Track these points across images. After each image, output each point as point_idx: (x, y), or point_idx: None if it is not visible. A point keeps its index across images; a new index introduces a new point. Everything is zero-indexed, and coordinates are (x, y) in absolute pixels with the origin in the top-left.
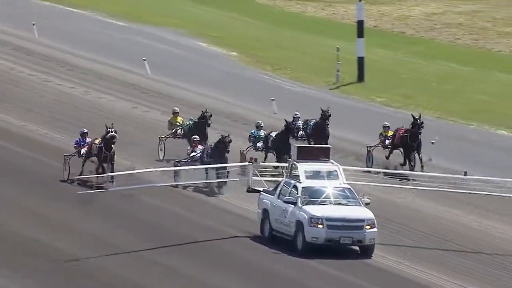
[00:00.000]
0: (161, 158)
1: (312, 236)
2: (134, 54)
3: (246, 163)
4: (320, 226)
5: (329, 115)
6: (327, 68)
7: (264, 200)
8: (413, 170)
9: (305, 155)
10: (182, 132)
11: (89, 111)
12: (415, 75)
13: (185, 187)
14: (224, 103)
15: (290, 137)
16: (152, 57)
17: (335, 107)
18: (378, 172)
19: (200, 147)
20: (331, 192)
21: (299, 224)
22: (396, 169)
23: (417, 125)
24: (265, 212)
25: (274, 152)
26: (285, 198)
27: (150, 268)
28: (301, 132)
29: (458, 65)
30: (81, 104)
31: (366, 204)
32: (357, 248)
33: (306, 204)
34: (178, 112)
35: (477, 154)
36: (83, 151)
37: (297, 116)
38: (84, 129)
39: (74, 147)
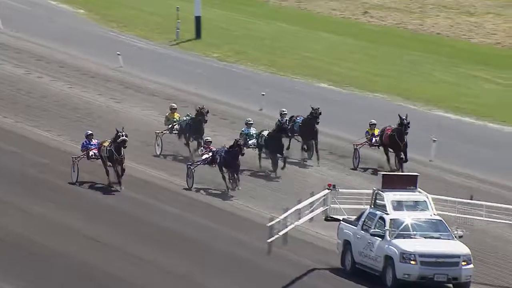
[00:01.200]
0: (158, 153)
1: (403, 273)
2: None
3: (325, 191)
4: (412, 262)
5: (320, 113)
6: (168, 26)
7: (345, 231)
8: (402, 169)
9: (391, 183)
10: (179, 127)
11: None
12: (248, 33)
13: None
14: (71, 57)
15: (283, 136)
16: (5, 14)
17: (175, 62)
18: (467, 202)
19: (213, 149)
20: (421, 225)
21: (389, 260)
22: (381, 168)
23: (404, 125)
24: (347, 243)
25: (265, 151)
26: (372, 230)
27: None
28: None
29: (287, 25)
30: None
31: (459, 237)
32: (451, 286)
33: (395, 237)
34: (175, 108)
35: (302, 103)
36: (91, 153)
37: (285, 113)
38: (89, 131)
39: (81, 149)
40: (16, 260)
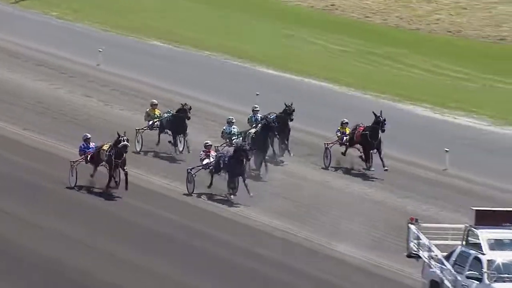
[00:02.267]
0: (138, 149)
1: None
2: None
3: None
4: None
5: (293, 110)
6: None
7: (432, 270)
8: (370, 170)
9: (485, 219)
10: (159, 124)
11: None
12: None
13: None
14: None
15: (270, 134)
16: None
17: (15, 19)
18: None
19: (213, 153)
20: None
21: None
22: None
23: (380, 123)
24: (435, 284)
25: (252, 150)
26: (467, 272)
27: None
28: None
29: None
30: None
31: None
32: None
33: (495, 281)
34: (156, 104)
35: (135, 59)
36: (84, 155)
37: (257, 109)
38: (88, 135)
39: (79, 153)
40: (9, 267)
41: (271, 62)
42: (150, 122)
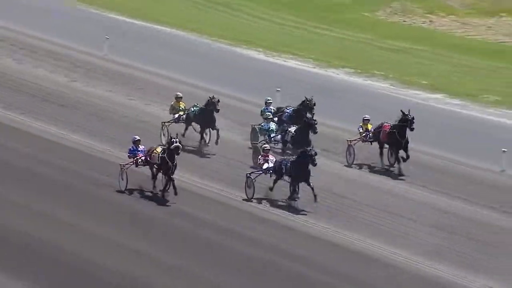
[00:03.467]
0: (164, 143)
1: None
2: None
3: None
4: None
5: (314, 104)
6: None
7: None
8: (393, 166)
9: None
10: (185, 117)
11: None
12: None
13: None
14: None
15: (311, 133)
16: None
17: None
18: None
19: (272, 158)
20: None
21: None
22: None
23: (408, 121)
24: None
25: (292, 147)
26: None
27: None
28: (275, 117)
29: None
30: None
31: None
32: None
33: None
34: (181, 97)
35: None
36: (135, 159)
37: (270, 101)
38: (136, 137)
39: (128, 156)
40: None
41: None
42: (176, 115)
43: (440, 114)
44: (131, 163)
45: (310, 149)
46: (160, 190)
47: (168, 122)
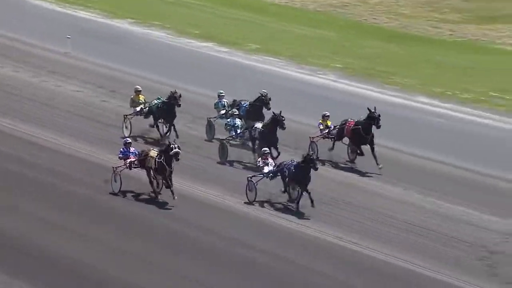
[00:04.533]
0: (126, 135)
1: None
2: None
3: None
4: None
5: (269, 99)
6: None
7: None
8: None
9: None
10: (146, 110)
11: None
12: None
13: None
14: None
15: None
16: None
17: None
18: None
19: (271, 161)
20: None
21: None
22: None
23: (375, 119)
24: None
25: (257, 144)
26: None
27: None
28: (230, 110)
29: None
30: None
31: None
32: None
33: None
34: (140, 90)
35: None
36: (128, 161)
37: (222, 94)
38: (128, 139)
39: (119, 157)
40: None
41: None
42: (138, 108)
43: (211, 61)
44: (125, 166)
45: (312, 154)
46: (154, 192)
47: (131, 115)
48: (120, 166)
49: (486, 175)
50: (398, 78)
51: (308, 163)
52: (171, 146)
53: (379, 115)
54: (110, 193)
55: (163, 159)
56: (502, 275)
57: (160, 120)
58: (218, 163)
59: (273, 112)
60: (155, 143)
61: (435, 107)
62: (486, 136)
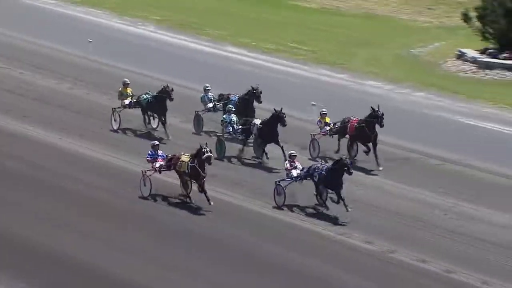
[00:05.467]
0: (115, 128)
1: None
2: None
3: None
4: None
5: (260, 92)
6: None
7: None
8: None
9: None
10: (134, 102)
11: None
12: None
13: None
14: None
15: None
16: None
17: None
18: None
19: (298, 164)
20: None
21: None
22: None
23: (378, 117)
24: None
25: (259, 141)
26: None
27: None
28: (218, 104)
29: None
30: None
31: None
32: None
33: None
34: (128, 83)
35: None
36: (157, 164)
37: (208, 88)
38: (156, 141)
39: (148, 160)
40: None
41: None
42: (127, 102)
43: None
44: (154, 169)
45: (346, 158)
46: (185, 196)
47: (119, 108)
48: (150, 170)
49: (267, 110)
50: (210, 30)
51: (342, 167)
52: (203, 150)
53: (382, 114)
54: (139, 197)
55: (196, 163)
56: None
57: (149, 113)
58: (216, 159)
59: (274, 109)
60: (148, 135)
61: (242, 56)
62: (285, 81)
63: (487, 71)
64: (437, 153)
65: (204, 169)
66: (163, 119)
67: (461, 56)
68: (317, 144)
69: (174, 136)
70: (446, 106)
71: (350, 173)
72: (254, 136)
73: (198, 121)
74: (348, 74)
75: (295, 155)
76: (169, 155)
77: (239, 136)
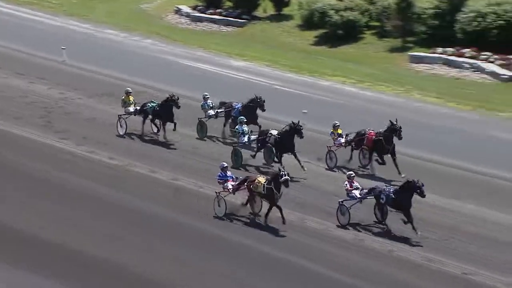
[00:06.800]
0: (121, 133)
1: None
2: None
3: None
4: None
5: (264, 101)
6: None
7: None
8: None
9: None
10: (138, 109)
11: None
12: None
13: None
14: None
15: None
16: None
17: None
18: None
19: (356, 183)
20: None
21: None
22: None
23: (396, 131)
24: None
25: (274, 150)
26: None
27: None
28: (215, 111)
29: None
30: None
31: None
32: None
33: None
34: (131, 92)
35: None
36: (229, 185)
37: (207, 96)
38: (224, 163)
39: (218, 182)
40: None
41: None
42: (132, 109)
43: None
44: (229, 191)
45: (418, 181)
46: (255, 214)
47: (124, 115)
48: (224, 191)
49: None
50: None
51: (412, 189)
52: (281, 173)
53: (400, 127)
54: (214, 216)
55: (272, 185)
56: None
57: (155, 120)
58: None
59: (292, 122)
60: (158, 142)
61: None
62: (38, 29)
63: (198, 23)
64: (160, 87)
65: (280, 190)
66: (173, 124)
67: (178, 11)
68: (334, 155)
69: (178, 141)
70: (168, 51)
71: (423, 196)
72: (269, 146)
73: (201, 127)
74: (91, 24)
75: (354, 176)
76: (245, 177)
77: (255, 147)
